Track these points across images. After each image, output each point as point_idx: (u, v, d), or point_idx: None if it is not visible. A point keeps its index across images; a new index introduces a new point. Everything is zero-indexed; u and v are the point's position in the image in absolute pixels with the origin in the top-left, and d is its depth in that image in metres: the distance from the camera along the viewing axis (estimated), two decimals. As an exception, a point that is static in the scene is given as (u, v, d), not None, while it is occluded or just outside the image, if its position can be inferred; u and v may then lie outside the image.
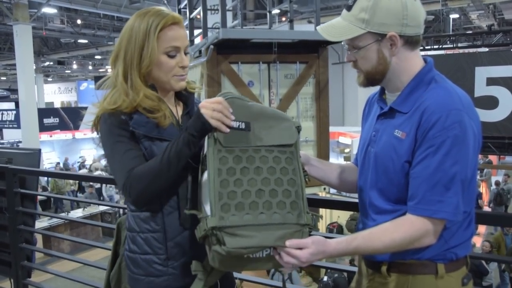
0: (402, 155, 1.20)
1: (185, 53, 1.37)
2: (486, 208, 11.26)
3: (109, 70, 1.42)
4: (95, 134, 1.39)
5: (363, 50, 1.23)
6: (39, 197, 10.04)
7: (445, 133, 1.12)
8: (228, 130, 1.21)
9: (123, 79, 1.34)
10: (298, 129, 1.29)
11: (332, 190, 10.72)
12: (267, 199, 1.17)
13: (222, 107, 1.21)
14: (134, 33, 1.32)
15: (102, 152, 1.37)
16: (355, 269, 1.52)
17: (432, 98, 1.17)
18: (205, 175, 1.25)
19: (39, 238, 9.06)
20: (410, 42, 1.23)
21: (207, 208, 1.18)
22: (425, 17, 1.25)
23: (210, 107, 1.20)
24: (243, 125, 1.22)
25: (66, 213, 10.78)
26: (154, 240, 1.36)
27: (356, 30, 1.21)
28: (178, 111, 1.45)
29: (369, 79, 1.28)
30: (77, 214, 10.94)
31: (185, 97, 1.46)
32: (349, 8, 1.24)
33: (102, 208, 11.66)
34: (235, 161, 1.19)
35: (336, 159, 13.58)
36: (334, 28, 1.25)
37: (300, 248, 1.15)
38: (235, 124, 1.21)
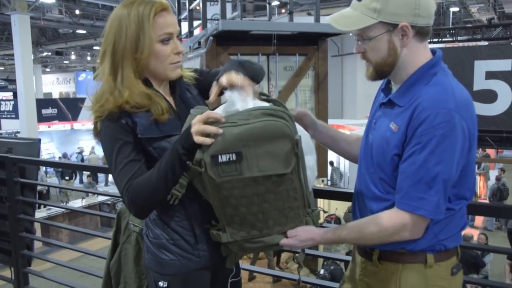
0: (392, 147, 1.21)
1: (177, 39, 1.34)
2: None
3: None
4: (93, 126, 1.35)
5: (373, 40, 1.20)
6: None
7: (432, 132, 1.12)
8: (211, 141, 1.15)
9: (110, 76, 1.29)
10: (297, 145, 1.17)
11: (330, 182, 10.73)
12: (268, 222, 1.25)
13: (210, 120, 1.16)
14: (124, 23, 1.26)
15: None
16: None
17: (426, 95, 1.16)
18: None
19: (37, 228, 9.08)
20: (421, 33, 1.20)
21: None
22: (435, 8, 1.22)
23: (200, 125, 1.16)
24: (233, 157, 1.14)
25: (65, 203, 10.79)
26: (180, 227, 1.37)
27: (367, 20, 1.18)
28: (173, 98, 1.40)
29: (378, 71, 1.25)
30: (75, 204, 10.95)
31: (172, 81, 1.39)
32: None
33: (100, 198, 11.67)
34: (234, 193, 1.19)
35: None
36: (345, 18, 1.21)
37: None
38: (225, 158, 1.14)
